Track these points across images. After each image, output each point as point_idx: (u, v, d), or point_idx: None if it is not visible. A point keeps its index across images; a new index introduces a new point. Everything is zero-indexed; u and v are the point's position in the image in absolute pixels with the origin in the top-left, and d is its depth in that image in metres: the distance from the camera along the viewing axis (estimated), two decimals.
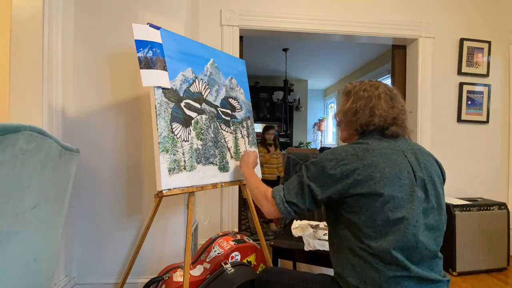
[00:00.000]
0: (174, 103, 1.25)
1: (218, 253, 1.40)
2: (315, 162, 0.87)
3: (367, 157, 0.82)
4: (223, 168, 1.43)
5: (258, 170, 1.66)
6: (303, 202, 0.87)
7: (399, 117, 0.90)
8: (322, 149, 5.76)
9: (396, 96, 0.93)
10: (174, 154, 1.20)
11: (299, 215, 0.93)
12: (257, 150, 1.60)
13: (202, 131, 1.36)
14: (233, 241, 1.47)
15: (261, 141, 3.45)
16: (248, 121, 1.68)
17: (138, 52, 1.18)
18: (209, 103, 1.44)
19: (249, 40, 3.75)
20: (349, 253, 0.84)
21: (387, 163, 0.81)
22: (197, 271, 1.39)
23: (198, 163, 1.30)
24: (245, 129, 1.64)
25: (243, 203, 2.80)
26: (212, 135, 1.41)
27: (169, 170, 1.16)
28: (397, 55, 2.54)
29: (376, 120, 0.89)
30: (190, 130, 1.30)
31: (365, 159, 0.81)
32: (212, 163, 1.37)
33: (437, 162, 0.94)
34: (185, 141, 1.26)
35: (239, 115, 1.62)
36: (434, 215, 0.84)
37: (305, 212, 0.89)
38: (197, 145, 1.31)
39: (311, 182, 0.86)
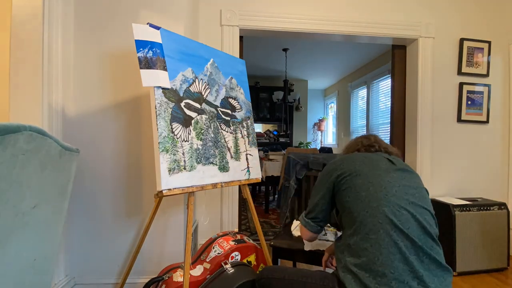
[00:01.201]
0: (174, 103, 1.24)
1: (218, 253, 1.40)
2: (317, 182, 1.11)
3: (348, 157, 1.05)
4: (223, 168, 1.43)
5: (259, 171, 1.66)
6: (316, 207, 1.07)
7: (373, 145, 1.13)
8: (322, 149, 5.75)
9: (369, 135, 1.19)
10: (174, 154, 1.20)
11: (321, 224, 1.09)
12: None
13: (202, 131, 1.36)
14: (233, 241, 1.47)
15: None
16: (248, 121, 1.68)
17: (138, 52, 1.18)
18: (209, 103, 1.44)
19: (249, 40, 3.75)
20: (345, 230, 0.96)
21: (366, 157, 1.02)
22: (197, 271, 1.39)
23: (198, 163, 1.30)
24: (245, 129, 1.64)
25: (243, 203, 2.80)
26: (212, 135, 1.41)
27: (169, 170, 1.16)
28: (397, 55, 2.54)
29: (351, 150, 1.17)
30: (190, 130, 1.30)
31: (346, 159, 1.04)
32: (212, 163, 1.37)
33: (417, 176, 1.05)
34: (185, 141, 1.26)
35: (239, 115, 1.62)
36: (418, 195, 0.93)
37: (321, 217, 1.07)
38: (197, 145, 1.31)
39: (315, 191, 1.08)
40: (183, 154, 1.23)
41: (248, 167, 1.60)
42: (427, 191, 1.01)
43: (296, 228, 1.57)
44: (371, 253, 0.84)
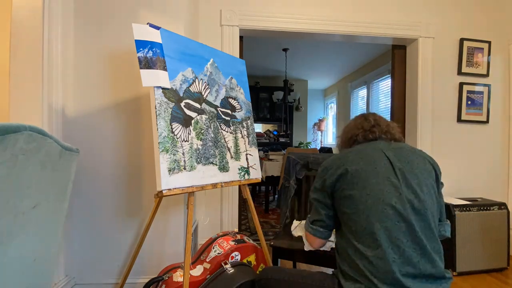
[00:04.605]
0: (174, 103, 1.25)
1: (218, 253, 1.40)
2: (315, 180, 1.05)
3: (345, 156, 0.98)
4: (223, 168, 1.43)
5: (259, 172, 1.66)
6: (318, 214, 1.02)
7: (374, 126, 1.07)
8: (322, 149, 5.75)
9: (368, 116, 1.12)
10: (174, 154, 1.20)
11: (329, 230, 1.04)
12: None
13: (202, 131, 1.36)
14: (233, 241, 1.47)
15: None
16: (248, 121, 1.68)
17: (138, 52, 1.18)
18: (209, 103, 1.44)
19: (249, 40, 3.75)
20: (345, 245, 0.93)
21: (363, 158, 0.95)
22: (197, 271, 1.39)
23: (198, 163, 1.30)
24: (245, 129, 1.64)
25: (243, 203, 2.80)
26: (212, 135, 1.41)
27: (169, 170, 1.16)
28: (397, 55, 2.54)
29: (350, 135, 1.10)
30: (190, 130, 1.30)
31: (343, 158, 0.97)
32: (212, 163, 1.37)
33: (428, 160, 0.98)
34: (185, 141, 1.26)
35: (239, 115, 1.62)
36: (419, 202, 0.88)
37: (328, 223, 1.02)
38: (197, 145, 1.31)
39: (316, 195, 1.02)
40: (183, 154, 1.23)
41: (248, 167, 1.60)
42: (436, 171, 0.96)
43: (296, 228, 1.56)
44: (367, 271, 0.84)
